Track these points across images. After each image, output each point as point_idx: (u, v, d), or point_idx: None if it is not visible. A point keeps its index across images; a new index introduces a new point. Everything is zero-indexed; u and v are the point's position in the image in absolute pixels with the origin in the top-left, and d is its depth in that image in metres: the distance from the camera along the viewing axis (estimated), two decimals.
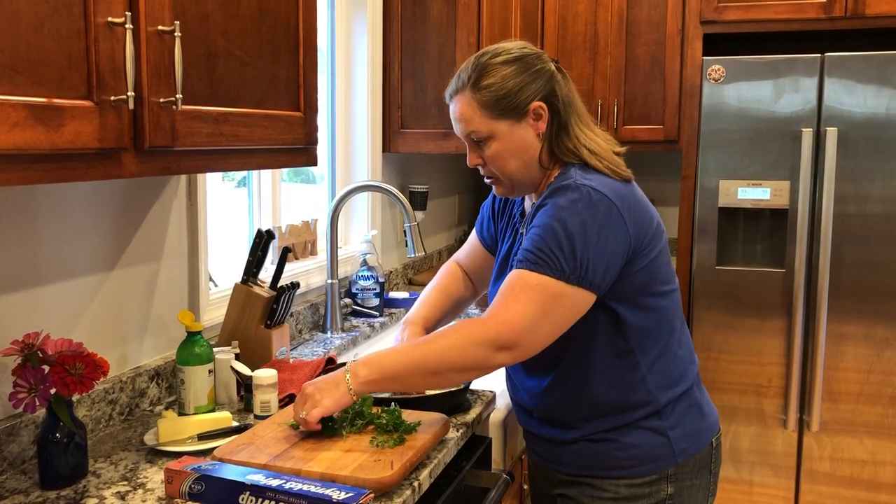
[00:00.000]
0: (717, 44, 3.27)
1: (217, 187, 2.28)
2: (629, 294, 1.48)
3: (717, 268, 3.01)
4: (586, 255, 1.38)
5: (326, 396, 1.41)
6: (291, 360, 1.93)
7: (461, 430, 1.59)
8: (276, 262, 2.01)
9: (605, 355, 1.50)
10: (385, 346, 2.50)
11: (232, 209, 2.40)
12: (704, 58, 2.97)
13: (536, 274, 1.39)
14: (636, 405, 1.52)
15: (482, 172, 1.58)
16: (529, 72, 1.49)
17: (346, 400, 1.41)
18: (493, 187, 1.60)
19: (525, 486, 1.97)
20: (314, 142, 1.63)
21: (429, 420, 1.53)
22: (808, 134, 2.84)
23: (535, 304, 1.38)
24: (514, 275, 1.41)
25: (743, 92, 2.92)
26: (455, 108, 1.52)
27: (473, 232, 1.87)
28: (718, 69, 2.93)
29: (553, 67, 1.53)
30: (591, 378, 1.52)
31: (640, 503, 1.54)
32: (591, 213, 1.40)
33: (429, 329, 1.75)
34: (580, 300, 1.41)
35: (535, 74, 1.49)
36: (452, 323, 1.44)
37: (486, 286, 1.86)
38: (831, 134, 2.81)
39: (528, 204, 1.67)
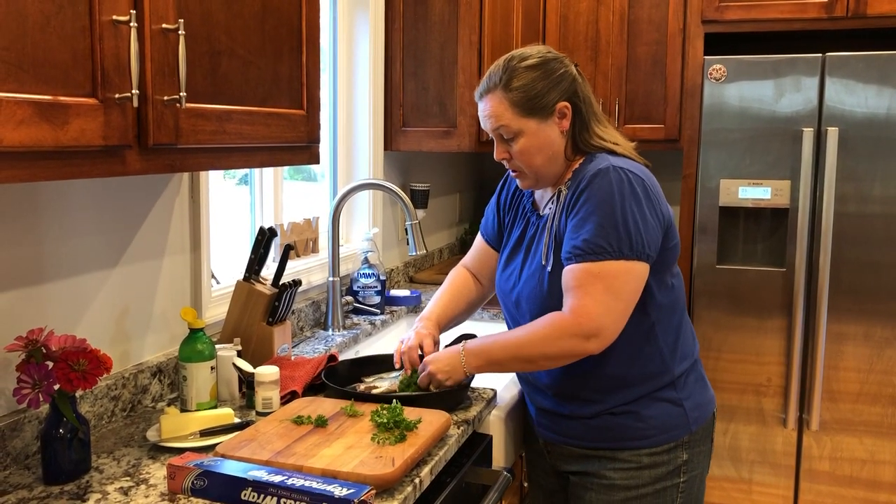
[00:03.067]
0: (718, 43, 3.28)
1: (219, 185, 2.29)
2: (658, 270, 1.60)
3: (718, 267, 3.02)
4: (639, 231, 1.52)
5: (450, 378, 1.65)
6: (293, 358, 1.93)
7: (462, 428, 1.60)
8: (277, 259, 2.02)
9: (628, 330, 1.59)
10: (386, 343, 2.52)
11: (234, 207, 2.41)
12: (706, 57, 2.97)
13: (598, 263, 1.51)
14: (653, 377, 1.63)
15: (507, 166, 1.69)
16: (555, 75, 1.61)
17: (461, 378, 1.66)
18: (518, 180, 1.70)
19: (525, 484, 1.98)
20: (316, 140, 1.64)
21: (430, 417, 1.53)
22: (808, 134, 2.84)
23: (602, 291, 1.50)
24: (578, 269, 1.53)
25: (744, 91, 2.92)
26: (485, 106, 1.63)
27: (479, 236, 1.94)
28: (720, 69, 2.94)
29: (574, 70, 1.65)
30: (614, 352, 1.60)
31: (660, 470, 1.64)
32: (634, 193, 1.54)
33: (442, 326, 1.84)
34: (641, 271, 1.54)
35: (561, 77, 1.61)
36: (545, 316, 1.58)
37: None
38: (832, 134, 2.81)
39: (538, 194, 1.76)
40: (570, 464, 1.72)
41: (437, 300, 1.90)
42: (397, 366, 1.78)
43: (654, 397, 1.63)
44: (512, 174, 1.70)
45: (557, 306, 1.57)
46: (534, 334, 1.56)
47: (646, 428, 1.63)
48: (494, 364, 1.62)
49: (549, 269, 1.61)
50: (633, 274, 1.53)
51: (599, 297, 1.50)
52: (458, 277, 1.94)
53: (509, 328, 1.78)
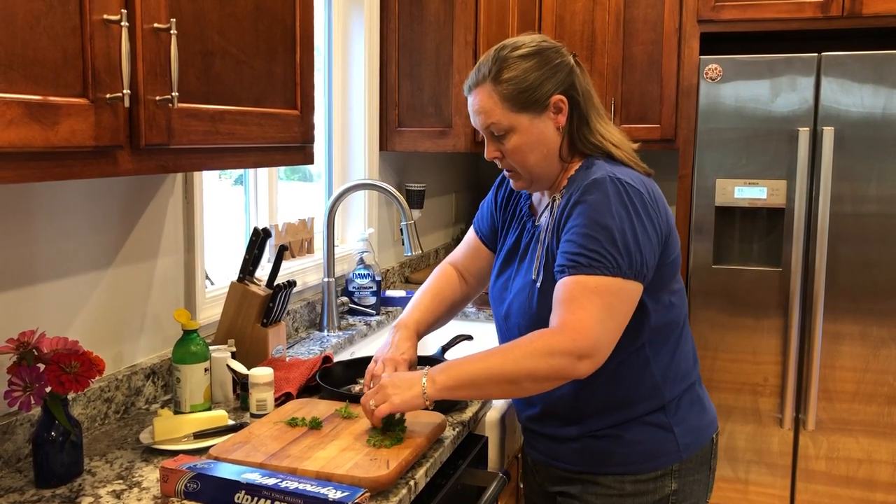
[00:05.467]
0: (714, 43, 3.27)
1: (214, 185, 2.28)
2: (656, 289, 1.49)
3: (714, 267, 3.01)
4: (637, 248, 1.40)
5: (398, 394, 1.41)
6: (288, 359, 1.93)
7: (457, 429, 1.59)
8: (272, 260, 2.00)
9: (617, 350, 1.47)
10: (381, 344, 2.50)
11: (229, 207, 2.39)
12: (701, 57, 2.96)
13: (594, 276, 1.38)
14: (642, 400, 1.53)
15: (500, 165, 1.58)
16: (550, 65, 1.49)
17: (418, 403, 1.40)
18: (511, 181, 1.59)
19: (521, 485, 1.97)
20: (311, 140, 1.63)
21: (425, 419, 1.53)
22: (804, 133, 2.84)
23: (599, 307, 1.37)
24: (572, 282, 1.39)
25: (740, 91, 2.92)
26: (475, 100, 1.52)
27: (471, 231, 1.84)
28: (715, 68, 2.93)
29: (572, 60, 1.53)
30: (602, 373, 1.48)
31: (645, 499, 1.53)
32: (631, 207, 1.42)
33: (420, 333, 1.71)
34: (635, 291, 1.42)
35: (556, 68, 1.49)
36: (531, 334, 1.42)
37: (485, 285, 1.83)
38: (828, 133, 2.81)
39: (536, 198, 1.65)
40: (554, 484, 1.64)
41: (416, 304, 1.76)
42: (367, 390, 1.58)
43: (642, 421, 1.52)
44: (506, 174, 1.60)
45: (547, 325, 1.44)
46: (518, 349, 1.38)
47: (629, 454, 1.52)
48: (467, 386, 1.40)
49: (538, 284, 1.51)
50: (629, 293, 1.40)
51: (596, 314, 1.36)
52: (442, 277, 1.81)
53: (499, 340, 1.67)
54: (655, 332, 1.52)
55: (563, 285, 1.41)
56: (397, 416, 1.47)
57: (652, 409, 1.53)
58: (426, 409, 1.41)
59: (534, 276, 1.53)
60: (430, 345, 2.47)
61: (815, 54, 2.83)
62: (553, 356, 1.35)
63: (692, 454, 1.55)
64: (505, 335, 1.63)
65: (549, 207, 1.56)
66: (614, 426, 1.53)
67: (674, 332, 1.56)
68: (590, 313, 1.36)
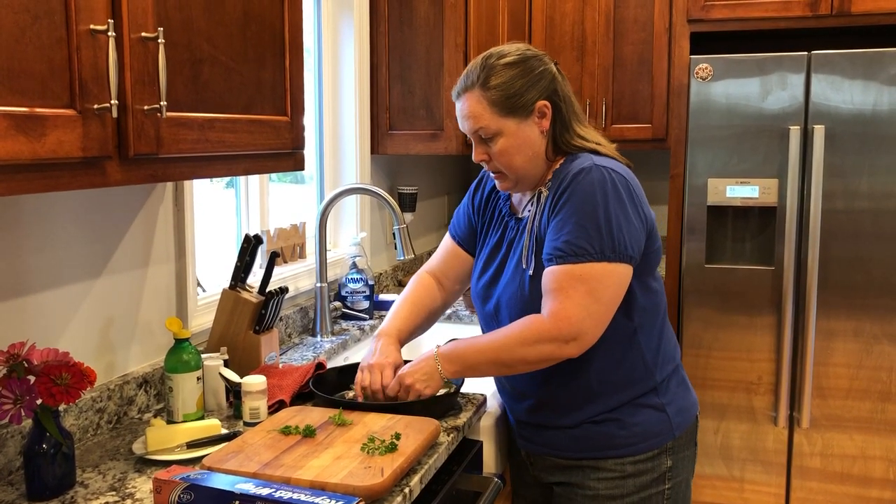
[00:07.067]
0: (704, 42, 3.28)
1: (205, 188, 2.27)
2: (641, 273, 1.57)
3: (707, 266, 3.02)
4: (621, 233, 1.49)
5: (429, 387, 1.61)
6: (281, 366, 1.92)
7: (452, 435, 1.59)
8: (264, 266, 2.00)
9: (610, 335, 1.55)
10: (365, 353, 2.49)
11: (220, 210, 2.38)
12: (692, 56, 2.97)
13: (579, 264, 1.48)
14: (636, 383, 1.61)
15: (487, 167, 1.65)
16: (534, 73, 1.57)
17: (440, 385, 1.64)
18: (497, 182, 1.67)
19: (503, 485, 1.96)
20: (301, 146, 1.62)
21: (419, 425, 1.52)
22: (795, 131, 2.84)
23: (583, 294, 1.47)
24: (559, 271, 1.50)
25: (730, 90, 2.92)
26: (463, 105, 1.59)
27: (447, 238, 1.87)
28: (706, 67, 2.93)
29: (554, 69, 1.61)
30: (596, 358, 1.57)
31: (645, 478, 1.61)
32: (617, 193, 1.50)
33: (402, 340, 1.77)
34: (623, 273, 1.51)
35: (540, 75, 1.58)
36: (521, 320, 1.55)
37: (464, 288, 1.88)
38: (819, 131, 2.81)
39: (516, 198, 1.72)
40: (553, 475, 1.69)
41: (396, 312, 1.81)
42: (360, 399, 1.67)
43: (637, 404, 1.60)
44: (492, 176, 1.66)
45: (539, 310, 1.54)
46: (511, 338, 1.53)
47: (629, 436, 1.60)
48: (470, 369, 1.60)
49: (530, 272, 1.58)
50: (614, 276, 1.50)
51: (580, 301, 1.47)
52: (419, 286, 1.85)
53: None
54: (645, 316, 1.60)
55: (551, 274, 1.51)
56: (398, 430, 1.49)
57: (645, 391, 1.61)
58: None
59: (524, 265, 1.60)
60: (424, 348, 2.45)
61: (805, 53, 2.84)
62: (541, 343, 1.49)
63: (682, 432, 1.65)
64: (493, 328, 1.67)
65: (535, 199, 1.62)
66: (612, 410, 1.60)
67: (658, 316, 1.65)
68: (574, 301, 1.47)
